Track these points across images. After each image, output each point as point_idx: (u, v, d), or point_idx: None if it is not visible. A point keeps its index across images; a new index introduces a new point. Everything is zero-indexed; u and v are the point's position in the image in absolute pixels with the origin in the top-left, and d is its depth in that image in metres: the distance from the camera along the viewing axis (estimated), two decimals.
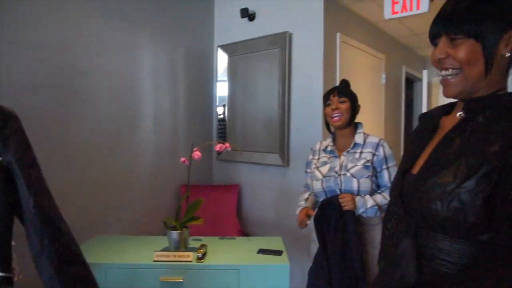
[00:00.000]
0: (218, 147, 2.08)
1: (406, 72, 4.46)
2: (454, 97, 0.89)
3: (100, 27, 2.51)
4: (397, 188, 0.96)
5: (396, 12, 2.72)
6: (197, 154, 2.05)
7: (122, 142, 2.68)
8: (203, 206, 2.04)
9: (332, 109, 1.91)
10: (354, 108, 1.95)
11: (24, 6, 2.09)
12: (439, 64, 0.88)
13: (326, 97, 1.98)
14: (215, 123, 3.40)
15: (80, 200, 2.42)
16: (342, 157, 1.91)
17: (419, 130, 1.04)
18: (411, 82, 5.02)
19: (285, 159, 2.83)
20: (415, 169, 0.92)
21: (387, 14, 2.73)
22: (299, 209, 1.98)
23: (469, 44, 0.82)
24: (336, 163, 1.90)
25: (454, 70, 0.85)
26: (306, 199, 2.03)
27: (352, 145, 1.90)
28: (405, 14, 2.67)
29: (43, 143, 2.21)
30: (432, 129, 0.97)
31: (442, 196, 0.79)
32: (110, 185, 2.60)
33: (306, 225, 1.89)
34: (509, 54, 0.82)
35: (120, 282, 1.85)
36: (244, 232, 2.91)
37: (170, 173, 3.03)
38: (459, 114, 0.89)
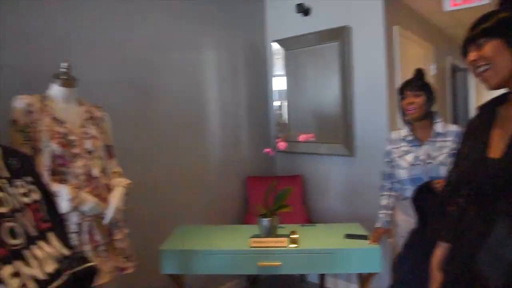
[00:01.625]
0: (303, 137, 2.17)
1: (451, 63, 4.49)
2: (495, 89, 1.06)
3: (171, 26, 2.66)
4: (476, 173, 1.05)
5: (457, 4, 2.74)
6: (281, 144, 2.15)
7: (193, 139, 2.82)
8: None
9: (407, 103, 1.98)
10: (430, 99, 2.01)
11: (101, 8, 2.25)
12: (473, 65, 1.06)
13: (401, 91, 2.04)
14: (272, 116, 3.49)
15: (158, 194, 2.55)
16: (426, 146, 1.98)
17: (477, 119, 1.18)
18: (454, 72, 5.04)
19: (351, 149, 2.92)
20: (494, 154, 1.03)
21: (447, 6, 2.76)
22: (377, 224, 2.12)
23: (492, 43, 1.01)
24: (421, 152, 1.97)
25: (485, 66, 1.03)
26: (386, 207, 2.13)
27: (434, 134, 1.98)
28: (466, 5, 2.69)
29: (120, 140, 2.13)
30: (490, 118, 1.12)
31: None
32: (182, 180, 2.73)
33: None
34: None
35: (221, 267, 1.98)
36: (311, 220, 3.01)
37: (235, 166, 3.15)
38: None
